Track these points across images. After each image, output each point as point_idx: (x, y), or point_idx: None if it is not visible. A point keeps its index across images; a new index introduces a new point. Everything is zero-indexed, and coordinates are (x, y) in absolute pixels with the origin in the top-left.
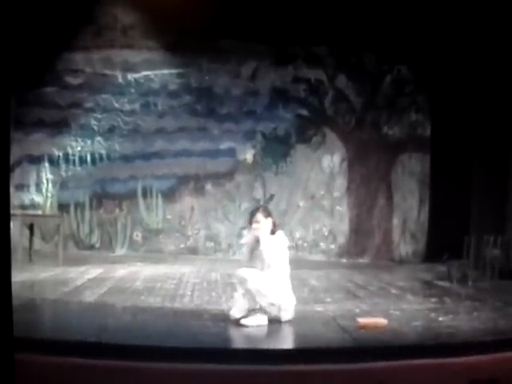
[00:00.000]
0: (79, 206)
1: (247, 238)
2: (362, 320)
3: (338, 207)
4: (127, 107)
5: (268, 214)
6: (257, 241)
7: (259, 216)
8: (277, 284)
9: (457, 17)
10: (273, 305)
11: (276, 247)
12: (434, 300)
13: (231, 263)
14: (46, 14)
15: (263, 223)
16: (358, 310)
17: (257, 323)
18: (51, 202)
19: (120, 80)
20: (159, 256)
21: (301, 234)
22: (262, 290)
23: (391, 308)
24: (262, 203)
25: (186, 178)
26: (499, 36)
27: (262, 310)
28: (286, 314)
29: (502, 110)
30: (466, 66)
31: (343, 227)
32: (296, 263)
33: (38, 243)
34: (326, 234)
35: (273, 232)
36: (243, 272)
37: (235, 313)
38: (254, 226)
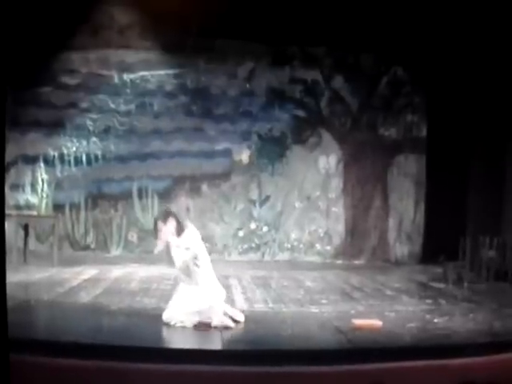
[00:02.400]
0: (74, 206)
1: (157, 248)
2: (357, 321)
3: (333, 208)
4: (123, 108)
5: (167, 218)
6: (168, 248)
7: (159, 224)
8: (200, 289)
9: (453, 18)
10: (200, 312)
11: (185, 247)
12: (429, 301)
13: (227, 264)
14: (42, 14)
15: (164, 229)
16: (353, 312)
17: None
18: (46, 203)
19: (116, 80)
20: (155, 257)
21: (296, 235)
22: (190, 309)
23: (386, 309)
24: (257, 204)
25: (182, 178)
26: (495, 38)
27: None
28: (216, 312)
29: (498, 112)
30: (462, 67)
31: (339, 228)
32: (292, 264)
33: (32, 244)
34: (322, 235)
35: (178, 233)
36: (166, 316)
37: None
38: (158, 236)
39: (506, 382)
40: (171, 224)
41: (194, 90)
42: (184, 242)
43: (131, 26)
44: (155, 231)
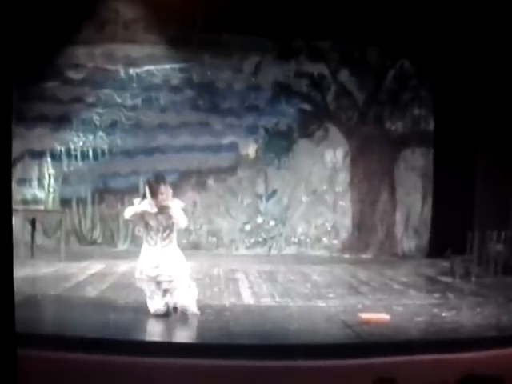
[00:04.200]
0: (81, 201)
1: (145, 206)
2: (364, 315)
3: (340, 202)
4: (129, 102)
5: (166, 182)
6: (162, 210)
7: (162, 188)
8: (174, 252)
9: (460, 11)
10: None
11: (181, 210)
12: (436, 295)
13: (234, 258)
14: (47, 8)
15: (168, 193)
16: (360, 306)
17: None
18: (53, 197)
19: (122, 75)
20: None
21: (303, 229)
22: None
23: (394, 303)
24: (264, 198)
25: (189, 173)
26: (502, 30)
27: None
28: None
29: (505, 105)
30: (469, 60)
31: (346, 222)
32: (298, 258)
33: (40, 238)
34: (329, 229)
35: (171, 198)
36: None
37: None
38: (161, 197)
39: None
40: (169, 189)
41: (199, 84)
42: (180, 207)
43: (136, 20)
44: (155, 192)
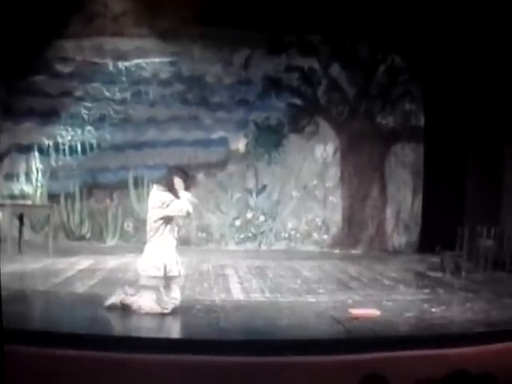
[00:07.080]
0: (69, 196)
1: (192, 199)
2: (354, 311)
3: (331, 197)
4: (118, 96)
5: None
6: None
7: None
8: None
9: (450, 7)
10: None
11: None
12: (426, 291)
13: (223, 254)
14: (36, 1)
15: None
16: (350, 301)
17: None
18: (41, 192)
19: (111, 68)
20: None
21: (293, 224)
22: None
23: (384, 299)
24: (254, 193)
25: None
26: (492, 26)
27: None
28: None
29: (495, 100)
30: (459, 55)
31: (336, 217)
32: (288, 254)
33: (27, 234)
34: (319, 224)
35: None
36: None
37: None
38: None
39: (502, 371)
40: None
41: (189, 78)
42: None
43: (125, 13)
44: (189, 186)
